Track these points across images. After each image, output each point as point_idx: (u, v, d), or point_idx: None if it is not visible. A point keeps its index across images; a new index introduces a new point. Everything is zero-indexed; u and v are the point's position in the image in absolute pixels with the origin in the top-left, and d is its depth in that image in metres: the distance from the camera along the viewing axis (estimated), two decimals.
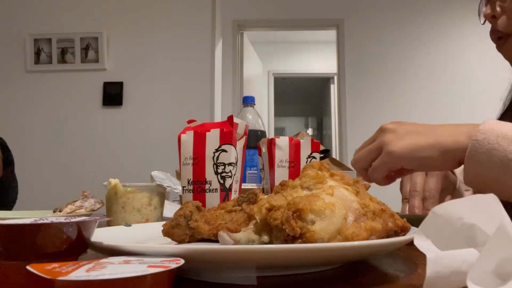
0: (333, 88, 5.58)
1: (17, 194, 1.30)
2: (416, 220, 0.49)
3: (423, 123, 0.52)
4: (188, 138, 0.66)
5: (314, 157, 0.80)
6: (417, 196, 0.68)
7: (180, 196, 1.03)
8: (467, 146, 0.46)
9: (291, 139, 0.80)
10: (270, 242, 0.38)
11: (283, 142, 0.79)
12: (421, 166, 0.50)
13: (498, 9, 0.70)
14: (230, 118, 0.66)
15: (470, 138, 0.46)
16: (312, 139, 0.81)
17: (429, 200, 0.67)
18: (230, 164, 0.65)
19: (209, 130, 0.66)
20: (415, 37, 3.64)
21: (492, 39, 0.76)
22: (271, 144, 0.79)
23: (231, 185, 0.65)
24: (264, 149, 0.81)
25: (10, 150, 1.24)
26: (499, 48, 0.75)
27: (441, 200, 0.70)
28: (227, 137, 0.65)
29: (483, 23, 0.79)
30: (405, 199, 0.72)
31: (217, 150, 0.65)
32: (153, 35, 3.23)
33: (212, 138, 0.66)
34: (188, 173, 0.66)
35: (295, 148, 0.79)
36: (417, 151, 0.48)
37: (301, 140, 0.80)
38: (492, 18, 0.72)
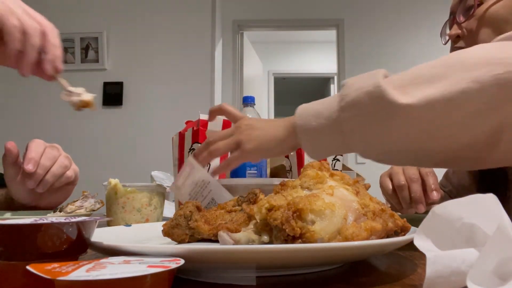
0: (333, 88, 5.58)
1: None
2: (416, 220, 0.49)
3: (263, 120, 0.63)
4: (176, 139, 0.66)
5: (338, 159, 0.83)
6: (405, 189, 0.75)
7: None
8: (291, 133, 0.56)
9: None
10: (270, 242, 0.38)
11: None
12: (266, 156, 0.62)
13: (464, 30, 0.80)
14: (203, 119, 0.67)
15: (293, 125, 0.56)
16: None
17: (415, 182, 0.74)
18: None
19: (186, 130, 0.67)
20: (416, 37, 3.64)
21: None
22: None
23: None
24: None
25: None
26: None
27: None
28: (195, 136, 0.65)
29: (445, 43, 0.89)
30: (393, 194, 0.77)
31: (190, 150, 0.65)
32: (153, 35, 3.23)
33: (188, 138, 0.66)
34: (176, 174, 0.66)
35: None
36: (263, 148, 0.59)
37: None
38: (456, 38, 0.82)
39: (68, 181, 0.84)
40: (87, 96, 0.74)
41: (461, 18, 0.81)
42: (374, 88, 0.48)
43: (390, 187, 0.77)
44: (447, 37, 0.86)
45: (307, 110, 0.55)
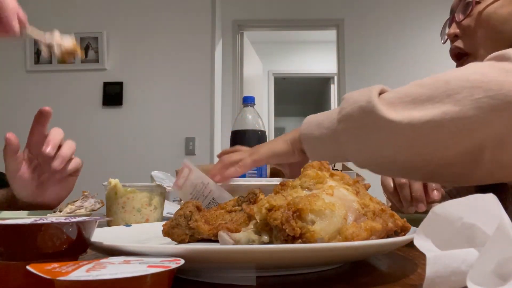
0: (333, 88, 5.58)
1: None
2: (416, 220, 0.49)
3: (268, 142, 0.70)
4: None
5: None
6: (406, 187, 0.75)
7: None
8: (297, 139, 0.62)
9: None
10: (270, 242, 0.38)
11: None
12: (278, 159, 0.66)
13: (462, 29, 0.80)
14: None
15: (299, 133, 0.62)
16: None
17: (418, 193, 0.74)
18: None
19: None
20: (416, 37, 3.64)
21: (453, 59, 0.85)
22: None
23: None
24: None
25: None
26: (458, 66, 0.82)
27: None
28: None
29: (444, 43, 0.89)
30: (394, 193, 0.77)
31: None
32: (153, 35, 3.23)
33: None
34: None
35: None
36: (275, 151, 0.65)
37: None
38: (454, 37, 0.82)
39: (77, 167, 0.83)
40: (67, 42, 0.68)
41: (460, 17, 0.81)
42: (367, 104, 0.52)
43: (392, 185, 0.77)
44: (446, 37, 0.86)
45: (312, 120, 0.61)
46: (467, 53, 0.81)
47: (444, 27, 0.92)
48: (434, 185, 0.75)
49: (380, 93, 0.54)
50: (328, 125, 0.57)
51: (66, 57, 0.69)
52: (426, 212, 0.55)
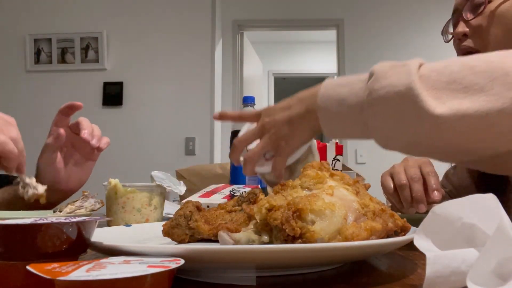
0: None
1: None
2: (416, 220, 0.49)
3: (281, 107, 0.61)
4: None
5: (338, 159, 0.83)
6: (406, 188, 0.74)
7: (180, 196, 1.03)
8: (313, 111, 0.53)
9: (318, 142, 0.82)
10: (270, 242, 0.38)
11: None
12: (292, 124, 0.57)
13: (471, 28, 0.78)
14: None
15: (314, 104, 0.53)
16: (336, 143, 0.84)
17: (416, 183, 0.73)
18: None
19: None
20: (416, 37, 3.64)
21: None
22: None
23: None
24: None
25: None
26: None
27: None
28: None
29: (447, 42, 0.87)
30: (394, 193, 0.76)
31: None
32: (153, 35, 3.23)
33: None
34: None
35: (321, 151, 0.81)
36: (295, 148, 0.57)
37: (327, 144, 0.83)
38: (463, 36, 0.79)
39: (108, 144, 0.91)
40: (41, 190, 0.76)
41: (469, 16, 0.79)
42: (406, 91, 0.44)
43: (392, 186, 0.77)
44: (450, 36, 0.84)
45: (331, 94, 0.51)
46: (478, 51, 0.79)
47: (446, 26, 0.90)
48: (434, 185, 0.75)
49: (419, 68, 0.47)
50: (352, 104, 0.49)
51: (31, 200, 0.77)
52: (426, 212, 0.55)
